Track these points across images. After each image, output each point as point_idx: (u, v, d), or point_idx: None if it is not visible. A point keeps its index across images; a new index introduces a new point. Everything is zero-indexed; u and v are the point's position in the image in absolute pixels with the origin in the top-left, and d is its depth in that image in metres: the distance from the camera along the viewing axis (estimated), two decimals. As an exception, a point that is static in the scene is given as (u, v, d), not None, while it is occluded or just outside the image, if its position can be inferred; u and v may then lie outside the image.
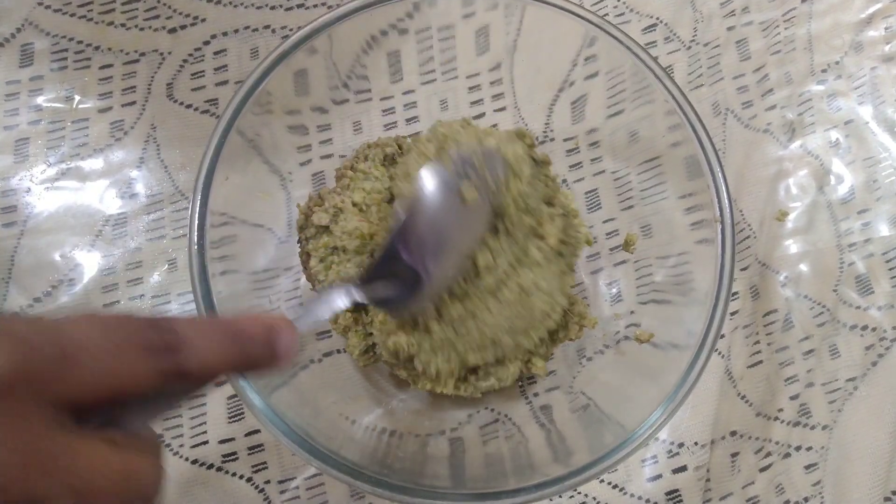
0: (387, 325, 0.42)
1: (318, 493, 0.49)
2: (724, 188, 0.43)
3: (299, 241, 0.48)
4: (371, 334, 0.43)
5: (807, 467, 0.52)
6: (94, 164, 0.53)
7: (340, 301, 0.37)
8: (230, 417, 0.49)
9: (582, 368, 0.50)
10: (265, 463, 0.49)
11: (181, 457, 0.49)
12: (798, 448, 0.52)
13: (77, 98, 0.54)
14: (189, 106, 0.55)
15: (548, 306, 0.44)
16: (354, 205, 0.45)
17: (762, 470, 0.51)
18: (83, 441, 0.24)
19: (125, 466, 0.25)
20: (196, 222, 0.41)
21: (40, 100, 0.54)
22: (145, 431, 0.27)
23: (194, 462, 0.49)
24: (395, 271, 0.39)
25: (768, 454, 0.52)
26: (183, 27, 0.57)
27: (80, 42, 0.55)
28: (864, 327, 0.54)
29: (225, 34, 0.57)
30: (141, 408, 0.26)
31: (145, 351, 0.25)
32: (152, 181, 0.53)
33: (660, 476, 0.51)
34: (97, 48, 0.55)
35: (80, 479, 0.23)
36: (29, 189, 0.52)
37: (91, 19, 0.56)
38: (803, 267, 0.55)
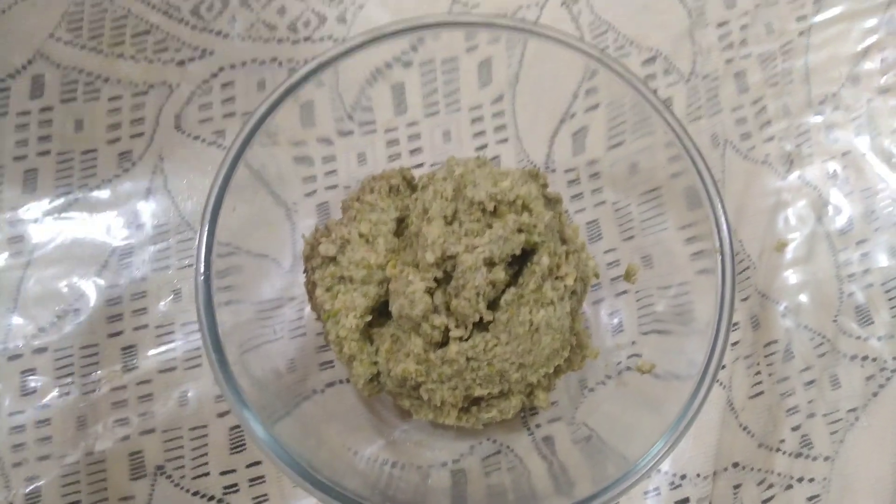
0: (394, 353, 0.43)
1: (320, 524, 0.49)
2: (723, 218, 0.44)
3: (305, 272, 0.48)
4: (376, 363, 0.44)
5: (809, 499, 0.52)
6: (102, 194, 0.54)
7: None
8: (232, 448, 0.50)
9: (584, 399, 0.50)
10: (266, 495, 0.49)
11: (182, 488, 0.49)
12: (800, 479, 0.52)
13: (86, 129, 0.55)
14: (197, 137, 0.56)
15: (558, 344, 0.44)
16: (361, 236, 0.45)
17: (765, 502, 0.51)
18: None
19: None
20: (203, 253, 0.41)
21: (50, 130, 0.55)
22: None
23: (195, 494, 0.49)
24: None
25: (770, 486, 0.52)
26: (191, 59, 0.58)
27: (89, 74, 0.56)
28: (865, 357, 0.54)
29: (233, 67, 0.58)
30: None
31: None
32: (159, 211, 0.54)
33: (662, 508, 0.51)
34: (106, 80, 0.56)
35: None
36: (36, 219, 0.53)
37: (101, 51, 0.57)
38: (803, 297, 0.55)
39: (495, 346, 0.42)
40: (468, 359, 0.42)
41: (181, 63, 0.58)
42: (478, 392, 0.43)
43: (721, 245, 0.44)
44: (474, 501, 0.45)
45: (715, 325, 0.43)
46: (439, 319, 0.42)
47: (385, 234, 0.46)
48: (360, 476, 0.43)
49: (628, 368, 0.50)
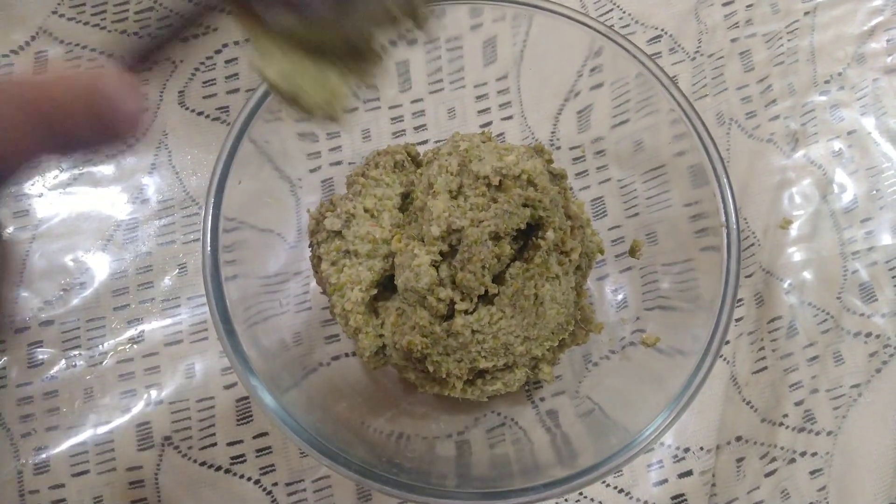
0: (400, 326, 0.43)
1: (326, 496, 0.49)
2: (729, 195, 0.44)
3: (310, 246, 0.48)
4: (382, 335, 0.44)
5: (812, 473, 0.52)
6: (106, 169, 0.54)
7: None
8: (239, 420, 0.50)
9: (588, 373, 0.51)
10: (273, 465, 0.49)
11: (189, 458, 0.49)
12: (803, 454, 0.52)
13: (90, 104, 0.55)
14: (200, 113, 0.56)
15: (563, 318, 0.44)
16: (366, 210, 0.45)
17: (767, 475, 0.52)
18: None
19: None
20: (209, 227, 0.42)
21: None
22: None
23: (202, 464, 0.49)
24: None
25: (773, 459, 0.52)
26: (195, 36, 0.57)
27: (93, 50, 0.56)
28: (868, 334, 0.55)
29: (237, 43, 0.58)
30: None
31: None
32: (163, 186, 0.54)
33: (665, 481, 0.51)
34: (110, 56, 0.56)
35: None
36: (41, 194, 0.53)
37: (104, 28, 0.57)
38: (807, 274, 0.55)
39: (500, 318, 0.42)
40: (473, 331, 0.42)
41: (185, 39, 0.57)
42: (483, 364, 0.43)
43: (727, 221, 0.44)
44: (479, 471, 0.46)
45: (719, 301, 0.43)
46: (445, 292, 0.42)
47: (390, 208, 0.46)
48: (367, 445, 0.43)
49: (632, 343, 0.50)
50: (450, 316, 0.43)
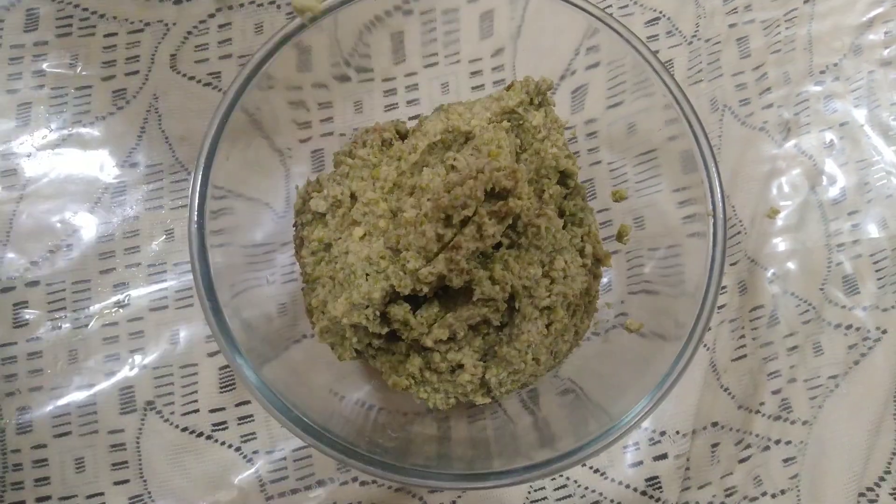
0: (393, 367, 0.44)
1: (306, 465, 0.50)
2: (717, 183, 0.44)
3: (295, 225, 0.48)
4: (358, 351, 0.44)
5: (785, 461, 0.53)
6: (95, 131, 0.54)
7: None
8: (221, 387, 0.50)
9: (570, 355, 0.51)
10: (254, 433, 0.50)
11: (171, 423, 0.49)
12: (777, 442, 0.53)
13: (80, 65, 0.55)
14: (192, 78, 0.55)
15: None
16: (353, 197, 0.45)
17: (741, 461, 0.53)
18: None
19: None
20: (197, 198, 0.41)
21: (44, 65, 0.54)
22: None
23: (184, 430, 0.49)
24: None
25: (748, 446, 0.53)
26: (189, -1, 0.57)
27: (85, 9, 0.55)
28: (849, 326, 0.55)
29: (230, 8, 0.57)
30: None
31: None
32: (152, 151, 0.54)
33: (641, 463, 0.52)
34: (102, 16, 0.55)
35: None
36: (30, 154, 0.53)
37: (97, -14, 0.56)
38: (791, 265, 0.56)
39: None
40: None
41: (178, 2, 0.57)
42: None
43: (714, 208, 0.44)
44: (458, 450, 0.46)
45: (704, 289, 0.43)
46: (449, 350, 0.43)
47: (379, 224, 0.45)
48: (348, 421, 0.44)
49: (615, 327, 0.51)
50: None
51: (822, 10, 0.60)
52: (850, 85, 0.59)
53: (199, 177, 0.42)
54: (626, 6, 0.60)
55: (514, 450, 0.45)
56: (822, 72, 0.59)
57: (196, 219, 0.41)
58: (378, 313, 0.42)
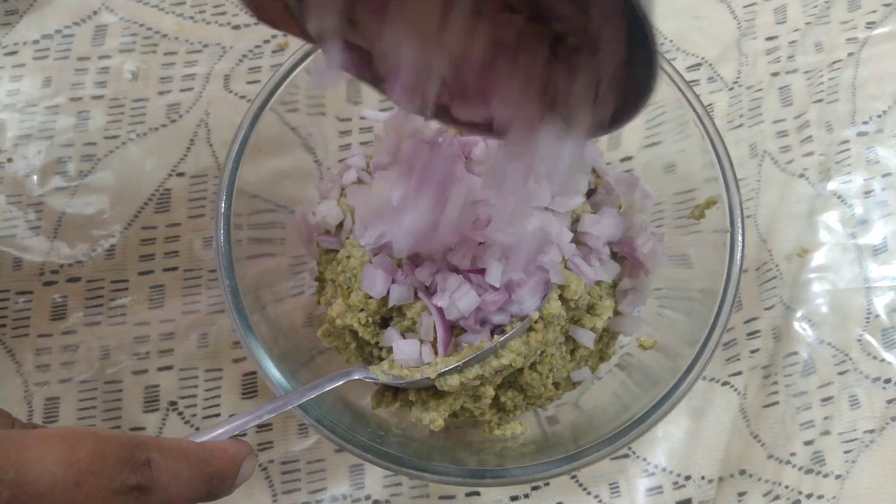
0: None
1: (319, 479, 0.50)
2: (737, 200, 0.44)
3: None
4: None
5: (816, 516, 0.50)
6: (148, 140, 0.56)
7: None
8: (244, 393, 0.51)
9: (591, 386, 0.50)
10: (271, 442, 0.50)
11: (192, 425, 0.50)
12: (809, 495, 0.51)
13: (140, 78, 0.58)
14: (243, 97, 0.58)
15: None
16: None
17: (769, 513, 0.50)
18: None
19: None
20: (223, 204, 0.43)
21: (106, 77, 0.57)
22: None
23: (204, 433, 0.50)
24: None
25: (777, 497, 0.51)
26: (247, 25, 0.60)
27: (149, 28, 0.59)
28: (888, 380, 0.53)
29: (285, 35, 0.59)
30: None
31: (115, 496, 0.24)
32: (200, 163, 0.56)
33: (663, 506, 0.50)
34: (164, 35, 0.59)
35: None
36: (83, 153, 0.55)
37: (162, 9, 0.59)
38: (828, 313, 0.54)
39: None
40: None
41: (237, 27, 0.60)
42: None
43: (732, 225, 0.44)
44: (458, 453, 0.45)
45: (717, 307, 0.42)
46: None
47: None
48: (371, 429, 0.44)
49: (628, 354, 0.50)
50: None
51: (866, 58, 0.60)
52: (893, 135, 0.58)
53: (226, 180, 0.43)
54: (669, 51, 0.61)
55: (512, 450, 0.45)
56: (865, 122, 0.59)
57: (223, 224, 0.42)
58: (372, 320, 0.43)
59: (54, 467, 0.23)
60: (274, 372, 0.40)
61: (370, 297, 0.43)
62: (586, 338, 0.44)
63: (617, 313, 0.47)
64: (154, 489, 0.26)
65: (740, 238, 0.43)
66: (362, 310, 0.44)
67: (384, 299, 0.42)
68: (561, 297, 0.42)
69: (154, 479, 0.26)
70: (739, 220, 0.44)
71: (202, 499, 0.29)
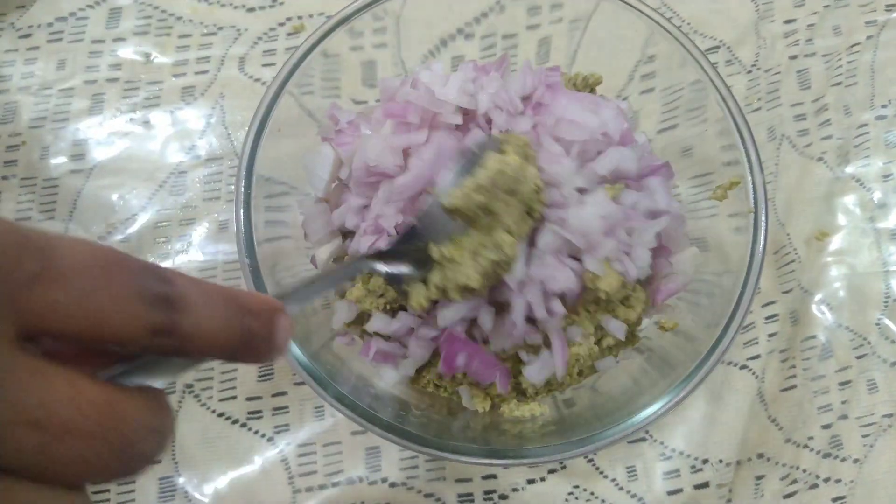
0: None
1: (336, 462, 0.49)
2: (760, 179, 0.44)
3: None
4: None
5: (834, 500, 0.50)
6: (163, 123, 0.56)
7: (357, 273, 0.39)
8: (260, 376, 0.51)
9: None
10: (288, 425, 0.50)
11: (208, 408, 0.50)
12: (827, 480, 0.51)
13: (154, 61, 0.57)
14: (258, 80, 0.58)
15: None
16: None
17: (786, 497, 0.50)
18: (55, 369, 0.19)
19: (111, 405, 0.20)
20: (243, 182, 0.42)
21: (120, 59, 0.57)
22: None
23: (220, 415, 0.50)
24: (409, 250, 0.40)
25: (794, 481, 0.50)
26: (262, 7, 0.59)
27: (163, 11, 0.59)
28: (907, 365, 0.53)
29: (300, 17, 0.59)
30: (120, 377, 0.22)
31: (140, 297, 0.20)
32: (214, 143, 0.56)
33: (680, 490, 0.50)
34: (179, 18, 0.59)
35: (45, 410, 0.19)
36: (99, 137, 0.55)
37: (175, -9, 0.59)
38: (846, 297, 0.54)
39: None
40: None
41: (251, 10, 0.60)
42: None
43: (755, 206, 0.43)
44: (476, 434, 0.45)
45: (740, 288, 0.42)
46: None
47: None
48: (391, 408, 0.43)
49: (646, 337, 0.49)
50: None
51: (885, 41, 0.59)
52: (913, 118, 0.58)
53: (246, 159, 0.43)
54: (686, 34, 0.60)
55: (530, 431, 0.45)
56: (885, 106, 0.58)
57: (244, 205, 0.42)
58: (391, 307, 0.43)
59: (81, 248, 0.20)
60: (297, 351, 0.40)
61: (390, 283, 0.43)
62: (618, 329, 0.44)
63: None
64: (181, 306, 0.21)
65: (764, 218, 0.43)
66: (381, 295, 0.44)
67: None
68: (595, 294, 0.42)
69: (182, 295, 0.22)
70: (763, 199, 0.43)
71: (237, 342, 0.23)
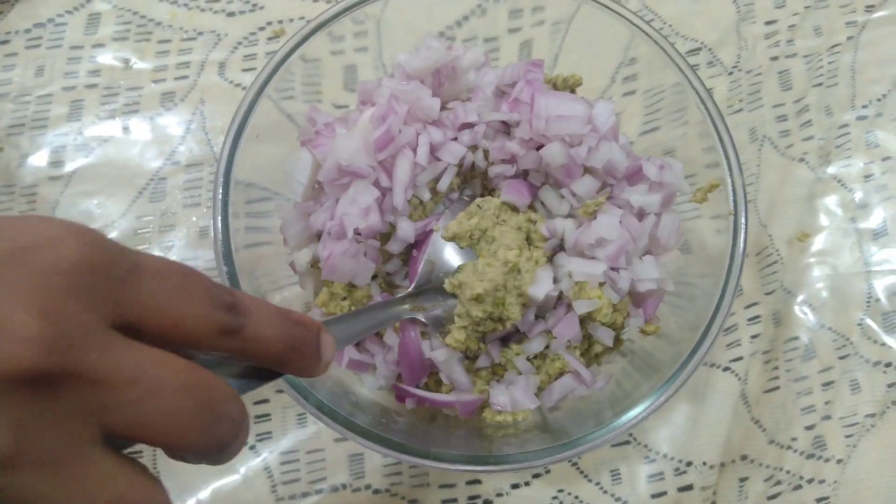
0: None
1: (318, 469, 0.49)
2: (740, 182, 0.44)
3: None
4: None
5: (818, 501, 0.50)
6: (142, 129, 0.56)
7: (395, 321, 0.42)
8: (243, 383, 0.50)
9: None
10: (270, 433, 0.50)
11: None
12: (810, 480, 0.51)
13: (134, 66, 0.57)
14: (238, 85, 0.57)
15: None
16: None
17: (770, 498, 0.50)
18: (147, 346, 0.22)
19: (197, 371, 0.23)
20: (221, 186, 0.42)
21: (99, 65, 0.57)
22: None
23: (202, 423, 0.49)
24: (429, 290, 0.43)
25: (778, 482, 0.50)
26: (242, 12, 0.59)
27: (143, 16, 0.58)
28: (889, 364, 0.53)
29: (280, 22, 0.59)
30: None
31: (211, 300, 0.24)
32: (194, 149, 0.55)
33: (664, 493, 0.50)
34: (158, 23, 0.58)
35: (140, 369, 0.21)
36: (78, 143, 0.55)
37: (155, -4, 0.59)
38: (829, 298, 0.54)
39: None
40: None
41: (231, 14, 0.59)
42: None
43: (735, 207, 0.43)
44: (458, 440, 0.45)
45: (720, 289, 0.42)
46: None
47: None
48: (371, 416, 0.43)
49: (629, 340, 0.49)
50: None
51: (865, 42, 0.59)
52: (893, 118, 0.58)
53: (223, 165, 0.43)
54: (668, 36, 0.60)
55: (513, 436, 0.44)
56: (865, 106, 0.58)
57: (221, 212, 0.42)
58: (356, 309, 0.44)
59: (158, 258, 0.24)
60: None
61: (353, 286, 0.43)
62: (606, 336, 0.44)
63: None
64: (244, 313, 0.25)
65: (744, 220, 0.43)
66: (345, 298, 0.44)
67: (368, 287, 0.42)
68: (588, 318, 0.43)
69: (244, 304, 0.25)
70: (743, 202, 0.43)
71: (290, 352, 0.26)
